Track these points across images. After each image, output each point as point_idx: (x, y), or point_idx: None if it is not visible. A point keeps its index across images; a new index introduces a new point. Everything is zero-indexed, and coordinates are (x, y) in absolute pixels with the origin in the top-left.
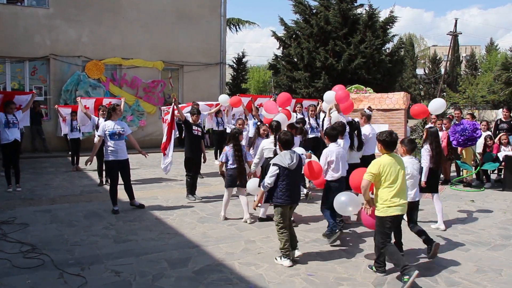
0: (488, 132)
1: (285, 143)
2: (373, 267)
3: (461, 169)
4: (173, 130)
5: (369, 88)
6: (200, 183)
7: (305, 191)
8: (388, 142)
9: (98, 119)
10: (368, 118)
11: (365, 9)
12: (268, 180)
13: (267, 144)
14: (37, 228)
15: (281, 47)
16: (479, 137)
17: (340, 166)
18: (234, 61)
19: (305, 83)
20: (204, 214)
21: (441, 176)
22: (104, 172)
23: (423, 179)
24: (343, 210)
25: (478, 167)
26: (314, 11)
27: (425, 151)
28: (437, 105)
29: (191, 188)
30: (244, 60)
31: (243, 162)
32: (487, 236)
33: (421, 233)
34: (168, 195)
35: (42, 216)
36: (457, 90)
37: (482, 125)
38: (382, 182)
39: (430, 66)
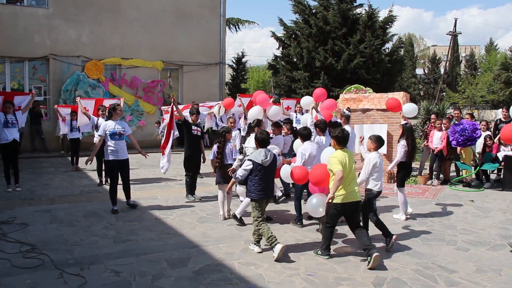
0: (488, 132)
1: (261, 142)
2: (319, 251)
3: (460, 169)
4: (172, 130)
5: (368, 88)
6: (200, 183)
7: (279, 193)
8: (340, 138)
9: (98, 119)
10: (347, 119)
11: (365, 9)
12: (240, 172)
13: (249, 143)
14: (37, 228)
15: (281, 47)
16: (479, 137)
17: (314, 162)
18: (234, 61)
19: (305, 83)
20: (204, 214)
21: (441, 176)
22: (103, 172)
23: (389, 168)
24: (315, 212)
25: (478, 167)
26: (313, 11)
27: (401, 146)
28: (409, 108)
29: (191, 188)
30: (243, 60)
31: (224, 159)
32: (487, 236)
33: (380, 224)
34: (168, 195)
35: (42, 216)
36: (456, 90)
37: (482, 125)
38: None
39: (430, 66)
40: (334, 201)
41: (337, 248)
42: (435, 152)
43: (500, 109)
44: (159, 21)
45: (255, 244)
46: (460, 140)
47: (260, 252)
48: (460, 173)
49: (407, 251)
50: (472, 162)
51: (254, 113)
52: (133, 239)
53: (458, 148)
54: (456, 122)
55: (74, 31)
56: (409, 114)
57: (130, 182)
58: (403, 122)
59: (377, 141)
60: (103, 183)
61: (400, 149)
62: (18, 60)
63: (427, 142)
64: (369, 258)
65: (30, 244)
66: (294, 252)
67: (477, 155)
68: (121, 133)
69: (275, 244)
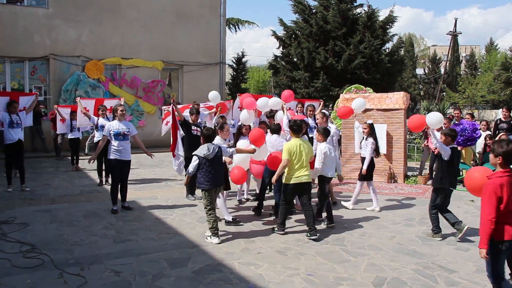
0: (488, 132)
1: (207, 137)
2: (275, 228)
3: (460, 169)
4: (177, 130)
5: (368, 88)
6: None
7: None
8: (295, 128)
9: (98, 119)
10: (327, 119)
11: (364, 10)
12: (190, 168)
13: (218, 142)
14: (37, 228)
15: (281, 47)
16: (479, 137)
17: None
18: (234, 61)
19: (305, 83)
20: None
21: None
22: (104, 172)
23: (365, 167)
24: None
25: None
26: (313, 11)
27: (370, 143)
28: (358, 103)
29: (191, 188)
30: (243, 60)
31: None
32: None
33: (328, 208)
34: (168, 195)
35: (42, 216)
36: (456, 90)
37: (482, 125)
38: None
39: (430, 66)
40: (286, 181)
41: (337, 248)
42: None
43: (500, 109)
44: (159, 21)
45: (213, 236)
46: (460, 140)
47: (219, 243)
48: (461, 173)
49: (407, 251)
50: (472, 162)
51: (245, 116)
52: (133, 239)
53: (459, 148)
54: (456, 122)
55: (74, 31)
56: (359, 108)
57: (131, 182)
58: (369, 121)
59: (324, 133)
60: (103, 183)
61: (369, 147)
62: (18, 60)
63: (427, 142)
64: (308, 234)
65: (30, 244)
66: (294, 252)
67: (478, 155)
68: (125, 133)
69: (215, 236)
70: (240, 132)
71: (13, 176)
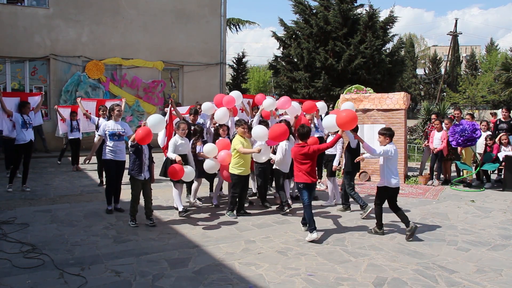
0: (488, 132)
1: None
2: (228, 213)
3: (461, 169)
4: (173, 132)
5: (369, 88)
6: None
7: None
8: (250, 127)
9: (99, 119)
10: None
11: (365, 10)
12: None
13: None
14: (37, 228)
15: (281, 47)
16: (479, 137)
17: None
18: (234, 61)
19: (305, 83)
20: (205, 214)
21: (441, 176)
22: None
23: (335, 164)
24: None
25: (478, 167)
26: (314, 11)
27: (340, 143)
28: (321, 105)
29: (191, 188)
30: (244, 60)
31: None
32: (487, 236)
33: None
34: (168, 195)
35: (42, 216)
36: (457, 90)
37: (482, 125)
38: (234, 153)
39: (430, 66)
40: (235, 172)
41: (335, 249)
42: (434, 152)
43: (500, 109)
44: (159, 21)
45: (131, 220)
46: (460, 140)
47: (135, 226)
48: (461, 173)
49: (407, 251)
50: (472, 163)
51: (219, 116)
52: (133, 239)
53: (459, 148)
54: (456, 122)
55: (74, 31)
56: (323, 109)
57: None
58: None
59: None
60: (104, 183)
61: (339, 145)
62: (18, 60)
63: (427, 142)
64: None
65: (31, 244)
66: (294, 252)
67: (478, 155)
68: (121, 134)
69: (132, 222)
70: (218, 133)
71: (17, 176)
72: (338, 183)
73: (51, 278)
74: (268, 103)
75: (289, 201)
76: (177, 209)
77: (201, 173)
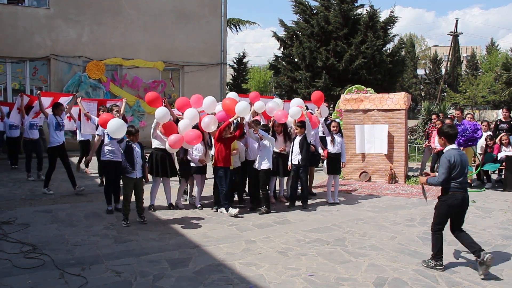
0: (489, 132)
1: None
2: (215, 206)
3: None
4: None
5: (369, 88)
6: None
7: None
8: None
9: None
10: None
11: (366, 10)
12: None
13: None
14: (38, 228)
15: (282, 48)
16: (480, 137)
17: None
18: (235, 61)
19: (306, 83)
20: (205, 214)
21: None
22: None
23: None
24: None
25: (479, 168)
26: (314, 11)
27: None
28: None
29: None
30: (244, 60)
31: (185, 156)
32: (488, 237)
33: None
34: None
35: (43, 216)
36: (457, 90)
37: (483, 125)
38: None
39: (431, 66)
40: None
41: (337, 248)
42: (435, 152)
43: (500, 110)
44: (160, 21)
45: (124, 219)
46: (461, 140)
47: (127, 226)
48: None
49: (408, 251)
50: (472, 163)
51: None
52: (134, 239)
53: (460, 148)
54: (457, 122)
55: (75, 31)
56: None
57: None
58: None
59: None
60: (104, 183)
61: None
62: (19, 60)
63: (428, 142)
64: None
65: (31, 244)
66: (295, 252)
67: (478, 156)
68: None
69: (124, 222)
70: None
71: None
72: (338, 183)
73: (51, 278)
74: (241, 107)
75: (272, 201)
76: (176, 206)
77: (187, 174)
